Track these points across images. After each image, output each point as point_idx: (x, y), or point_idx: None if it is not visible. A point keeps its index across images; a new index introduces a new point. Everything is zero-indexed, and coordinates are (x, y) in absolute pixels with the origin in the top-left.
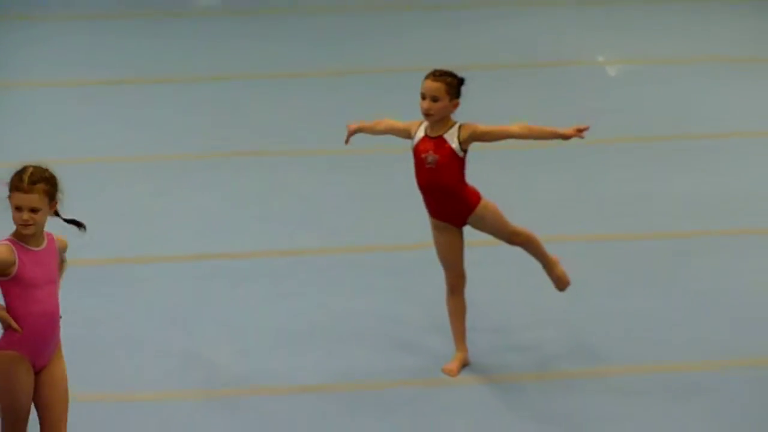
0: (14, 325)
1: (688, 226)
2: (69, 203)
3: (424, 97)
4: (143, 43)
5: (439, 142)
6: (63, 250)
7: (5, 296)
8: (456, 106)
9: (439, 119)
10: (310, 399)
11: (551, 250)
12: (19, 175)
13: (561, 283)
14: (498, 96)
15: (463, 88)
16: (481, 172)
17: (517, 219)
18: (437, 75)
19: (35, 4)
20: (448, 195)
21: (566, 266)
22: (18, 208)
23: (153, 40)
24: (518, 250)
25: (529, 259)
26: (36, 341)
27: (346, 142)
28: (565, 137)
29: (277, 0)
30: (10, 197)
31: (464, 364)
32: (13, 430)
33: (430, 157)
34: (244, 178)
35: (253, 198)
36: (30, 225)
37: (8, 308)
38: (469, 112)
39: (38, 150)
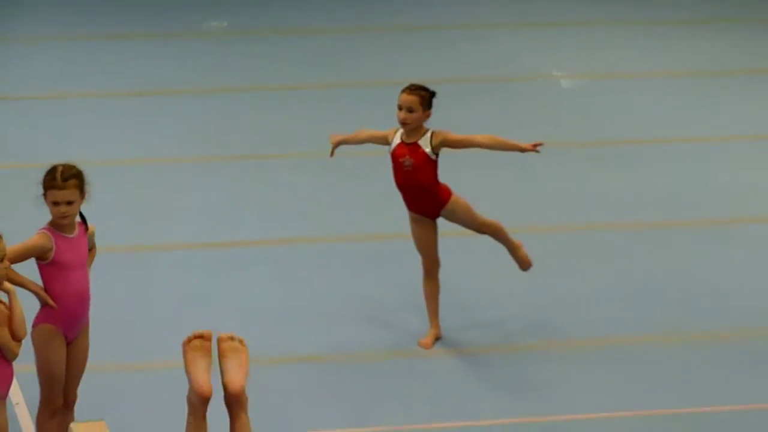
0: (51, 302)
1: (628, 218)
2: (93, 198)
3: (400, 108)
4: (157, 60)
5: (414, 147)
6: (92, 236)
7: (44, 278)
8: (428, 116)
9: (413, 128)
10: (303, 368)
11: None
12: (51, 174)
13: (524, 264)
14: (467, 106)
15: (435, 100)
16: (452, 171)
17: (483, 211)
18: (412, 89)
19: (59, 25)
20: (423, 192)
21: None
22: (55, 203)
23: (166, 58)
24: (486, 240)
25: (495, 247)
26: (69, 317)
27: (331, 154)
28: (523, 150)
29: (276, 22)
30: (45, 195)
31: (437, 339)
32: (50, 392)
33: (407, 161)
34: (246, 178)
35: (253, 195)
36: (67, 217)
37: (45, 288)
38: (442, 120)
39: (64, 153)
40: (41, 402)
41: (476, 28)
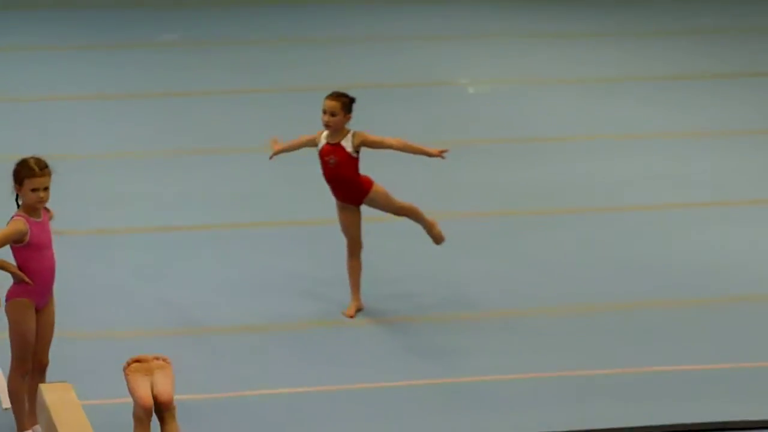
0: (26, 279)
1: (528, 206)
2: (62, 187)
3: (324, 113)
4: (118, 68)
5: (337, 147)
6: (50, 219)
7: (20, 258)
8: (349, 119)
9: (336, 129)
10: (245, 336)
11: (417, 226)
12: (28, 165)
13: (438, 239)
14: (387, 110)
15: (356, 105)
16: (376, 164)
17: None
18: (334, 96)
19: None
20: (346, 184)
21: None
22: (34, 190)
23: (126, 66)
24: (405, 225)
25: (413, 231)
26: (41, 290)
27: (270, 158)
28: (430, 155)
29: (222, 35)
30: (23, 184)
31: (359, 310)
32: (23, 357)
33: (332, 159)
34: (193, 171)
35: (199, 186)
36: (43, 201)
37: (22, 267)
38: (365, 122)
39: (37, 149)
40: (14, 366)
41: (394, 40)
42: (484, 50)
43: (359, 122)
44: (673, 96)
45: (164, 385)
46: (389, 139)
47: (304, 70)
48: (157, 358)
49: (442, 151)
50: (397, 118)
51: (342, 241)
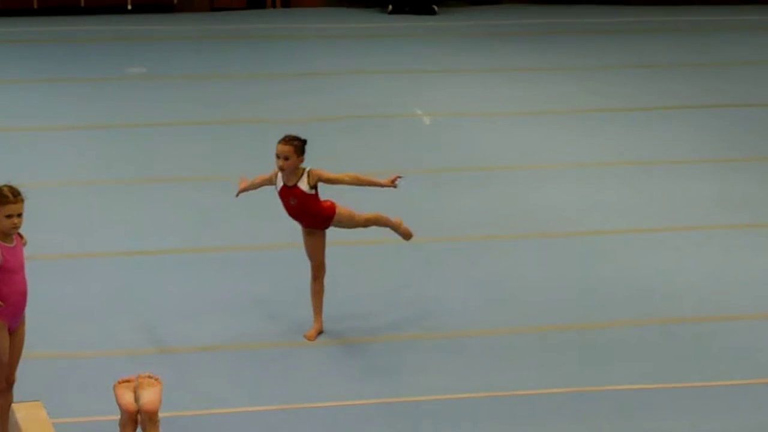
0: None
1: (486, 232)
2: (35, 214)
3: (278, 157)
4: (88, 100)
5: (295, 189)
6: (24, 244)
7: None
8: (302, 161)
9: (290, 172)
10: (210, 356)
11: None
12: (2, 192)
13: (407, 235)
14: (344, 140)
15: (309, 143)
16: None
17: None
18: (287, 140)
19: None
20: (310, 216)
21: (383, 264)
22: (9, 216)
23: (95, 98)
24: (369, 249)
25: (376, 254)
26: (14, 312)
27: (236, 195)
28: (382, 186)
29: (187, 69)
30: None
31: (320, 332)
32: None
33: (292, 200)
34: (161, 197)
35: (167, 211)
36: (17, 227)
37: None
38: (322, 152)
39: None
40: None
41: (350, 74)
42: (434, 84)
43: (318, 154)
44: (621, 127)
45: (150, 395)
46: (342, 175)
47: (266, 103)
48: (150, 377)
49: (394, 180)
50: (350, 149)
51: (303, 264)
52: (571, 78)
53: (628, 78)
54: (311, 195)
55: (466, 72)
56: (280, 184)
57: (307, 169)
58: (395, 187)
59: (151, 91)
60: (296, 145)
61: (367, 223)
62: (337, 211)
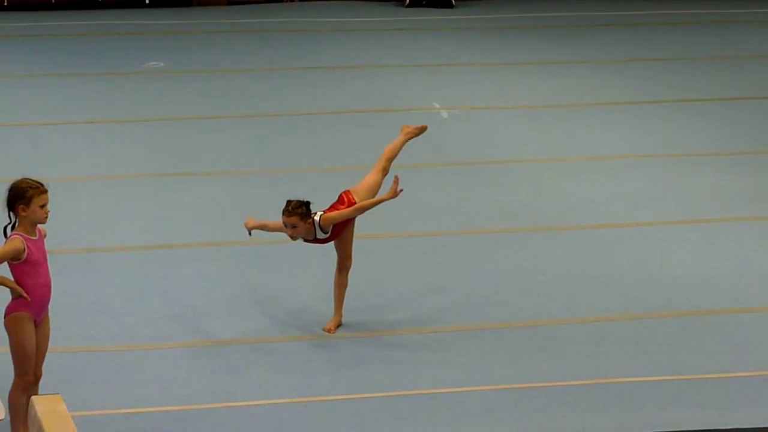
0: (25, 294)
1: (490, 225)
2: (51, 209)
3: (286, 226)
4: (106, 95)
5: (315, 241)
6: (45, 237)
7: (17, 275)
8: (310, 223)
9: (301, 234)
10: (229, 350)
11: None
12: (31, 184)
13: (335, 323)
14: (360, 134)
15: (325, 140)
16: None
17: (378, 220)
18: (290, 211)
19: (25, 65)
20: (333, 243)
21: (402, 256)
22: (43, 206)
23: (113, 92)
24: (394, 244)
25: (392, 246)
26: (39, 304)
27: (249, 234)
28: (386, 200)
29: (204, 64)
30: (30, 202)
31: (338, 325)
32: (25, 370)
33: (317, 244)
34: (176, 192)
35: (182, 206)
36: (47, 217)
37: (20, 282)
38: (339, 145)
39: (29, 172)
40: (16, 379)
41: (366, 68)
42: (451, 77)
43: (334, 148)
44: (638, 119)
45: None
46: (347, 212)
47: (283, 97)
48: None
49: (397, 189)
50: (367, 142)
51: (319, 259)
52: (588, 71)
53: (646, 71)
54: (330, 236)
55: (483, 65)
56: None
57: (317, 220)
58: (398, 193)
59: (169, 85)
60: (301, 213)
61: (347, 259)
62: (349, 224)
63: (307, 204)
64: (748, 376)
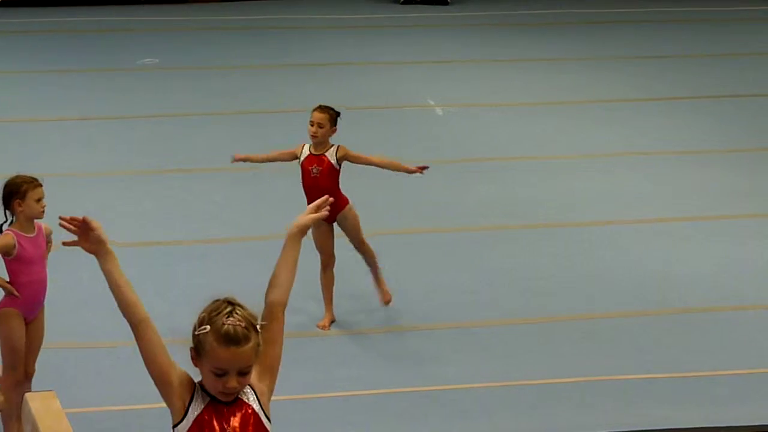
0: (14, 291)
1: (495, 222)
2: (54, 205)
3: (312, 124)
4: (101, 91)
5: (321, 158)
6: (49, 234)
7: (10, 271)
8: (334, 131)
9: (321, 141)
10: None
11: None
12: (25, 179)
13: (385, 297)
14: (356, 130)
15: (339, 120)
16: (348, 179)
17: (373, 217)
18: (323, 108)
19: (21, 62)
20: (324, 193)
21: (398, 254)
22: (39, 200)
23: (108, 89)
24: (377, 240)
25: (389, 243)
26: (31, 301)
27: (232, 161)
28: (409, 172)
29: (198, 61)
30: (26, 197)
31: (332, 321)
32: (14, 367)
33: (315, 168)
34: (172, 188)
35: (177, 202)
36: (43, 212)
37: (11, 279)
38: (335, 141)
39: (25, 167)
40: (5, 375)
41: (361, 65)
42: (446, 74)
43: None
44: (633, 117)
45: None
46: (371, 156)
47: (278, 94)
48: None
49: (423, 168)
50: (363, 139)
51: (312, 256)
52: (583, 68)
53: (642, 68)
54: (335, 170)
55: (478, 62)
56: (305, 153)
57: (337, 144)
58: (422, 173)
59: (164, 82)
60: (331, 115)
61: (362, 245)
62: (348, 205)
63: (339, 113)
64: (743, 374)
